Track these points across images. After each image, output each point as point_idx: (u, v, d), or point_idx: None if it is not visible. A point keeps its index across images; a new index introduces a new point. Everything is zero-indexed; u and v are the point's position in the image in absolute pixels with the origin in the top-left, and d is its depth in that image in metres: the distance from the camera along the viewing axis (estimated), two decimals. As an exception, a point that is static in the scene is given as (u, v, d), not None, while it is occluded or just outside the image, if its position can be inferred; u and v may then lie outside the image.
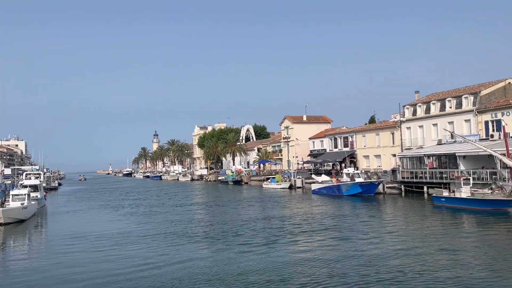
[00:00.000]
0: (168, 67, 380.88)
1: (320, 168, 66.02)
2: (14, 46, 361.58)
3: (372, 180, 43.84)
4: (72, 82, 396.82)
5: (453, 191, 32.30)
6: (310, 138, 73.98)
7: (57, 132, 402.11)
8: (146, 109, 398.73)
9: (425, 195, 39.35)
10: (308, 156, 72.55)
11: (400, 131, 52.20)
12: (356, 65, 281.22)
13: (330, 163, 64.24)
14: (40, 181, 48.96)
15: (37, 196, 39.82)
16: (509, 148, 30.58)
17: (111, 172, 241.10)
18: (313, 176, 55.87)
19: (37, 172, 65.82)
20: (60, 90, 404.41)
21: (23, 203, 32.20)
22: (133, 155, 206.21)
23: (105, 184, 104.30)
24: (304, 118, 77.77)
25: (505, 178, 31.68)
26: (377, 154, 56.93)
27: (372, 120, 76.86)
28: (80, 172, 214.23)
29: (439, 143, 45.09)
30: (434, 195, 33.65)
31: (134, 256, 17.87)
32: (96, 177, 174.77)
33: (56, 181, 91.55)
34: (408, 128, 51.24)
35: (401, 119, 51.92)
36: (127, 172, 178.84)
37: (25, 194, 33.19)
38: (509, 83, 44.69)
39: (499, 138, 38.18)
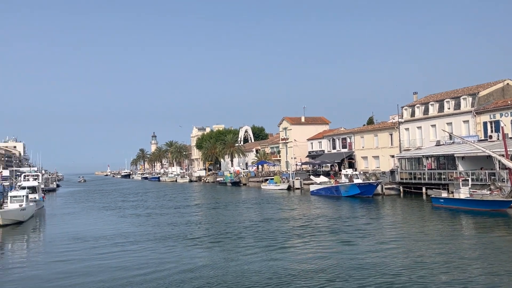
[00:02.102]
0: (167, 69, 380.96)
1: (319, 169, 65.94)
2: (14, 46, 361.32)
3: (371, 181, 43.76)
4: (70, 83, 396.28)
5: (452, 192, 32.31)
6: (308, 139, 73.93)
7: (55, 133, 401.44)
8: (145, 111, 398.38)
9: (424, 196, 39.32)
10: (306, 157, 72.46)
11: (399, 132, 52.22)
12: (354, 65, 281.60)
13: (329, 164, 64.19)
14: (38, 182, 48.81)
15: (35, 198, 39.70)
16: (508, 149, 30.58)
17: (109, 173, 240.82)
18: (311, 177, 55.82)
19: (35, 173, 65.72)
20: (58, 91, 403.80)
21: (21, 205, 32.10)
22: (131, 157, 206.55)
23: (104, 185, 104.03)
24: (303, 119, 77.70)
25: (504, 179, 31.74)
26: (376, 155, 56.89)
27: (370, 121, 76.83)
28: (78, 174, 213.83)
29: (438, 144, 45.10)
30: (432, 196, 33.64)
31: (135, 260, 17.74)
32: (95, 179, 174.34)
33: (54, 183, 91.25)
34: (407, 129, 51.25)
35: (400, 120, 51.92)
36: (125, 174, 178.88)
37: (23, 196, 33.13)
38: (507, 84, 44.77)
39: (498, 139, 38.22)
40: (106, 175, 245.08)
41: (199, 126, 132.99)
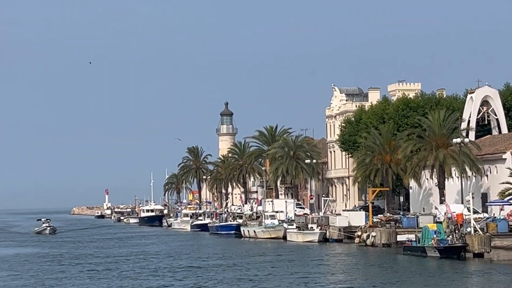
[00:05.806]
0: None
1: None
2: None
3: None
4: None
5: None
6: None
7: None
8: (208, 62, 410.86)
9: None
10: None
11: None
12: None
13: None
14: None
15: None
16: None
17: (108, 211, 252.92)
18: None
19: None
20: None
21: None
22: (166, 169, 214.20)
23: (97, 244, 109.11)
24: None
25: None
26: None
27: None
28: (35, 213, 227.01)
29: None
30: None
31: None
32: (74, 224, 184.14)
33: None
34: None
35: None
36: (151, 215, 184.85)
37: None
38: None
39: None
40: (101, 215, 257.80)
41: (350, 87, 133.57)
